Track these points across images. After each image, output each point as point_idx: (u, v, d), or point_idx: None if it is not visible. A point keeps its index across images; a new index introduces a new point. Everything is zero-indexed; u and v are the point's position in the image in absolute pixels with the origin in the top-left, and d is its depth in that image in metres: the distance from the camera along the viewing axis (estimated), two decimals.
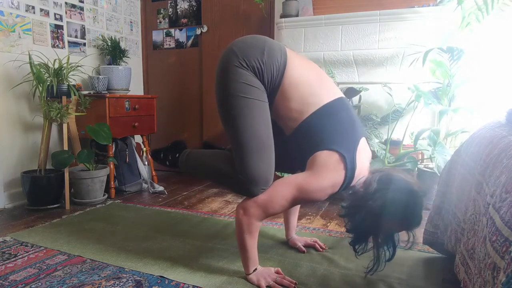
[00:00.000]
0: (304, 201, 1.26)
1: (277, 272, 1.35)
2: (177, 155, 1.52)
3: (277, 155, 1.29)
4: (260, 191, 1.25)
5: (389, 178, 1.21)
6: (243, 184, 1.24)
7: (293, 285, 1.29)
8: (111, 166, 2.55)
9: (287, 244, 1.69)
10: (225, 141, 1.40)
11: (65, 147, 2.34)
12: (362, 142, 1.27)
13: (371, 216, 1.17)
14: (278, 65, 1.23)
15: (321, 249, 1.63)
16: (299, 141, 1.28)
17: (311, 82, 1.26)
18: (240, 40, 1.28)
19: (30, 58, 2.27)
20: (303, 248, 1.62)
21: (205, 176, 1.45)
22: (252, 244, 1.31)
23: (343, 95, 1.32)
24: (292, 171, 1.45)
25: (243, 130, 1.21)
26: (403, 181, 1.21)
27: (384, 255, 1.28)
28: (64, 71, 2.35)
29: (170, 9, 3.48)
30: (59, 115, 2.26)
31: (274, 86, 1.25)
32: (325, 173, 1.19)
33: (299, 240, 1.67)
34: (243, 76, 1.21)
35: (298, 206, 1.71)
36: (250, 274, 1.33)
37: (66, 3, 2.71)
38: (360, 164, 1.23)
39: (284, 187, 1.24)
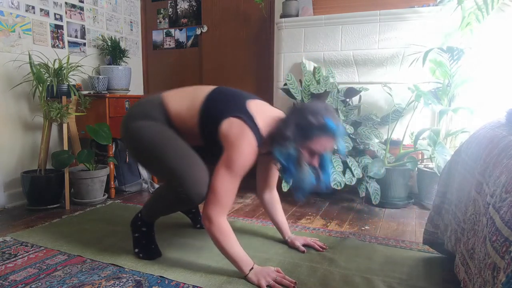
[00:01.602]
0: (242, 173, 1.32)
1: (277, 271, 1.35)
2: (139, 222, 1.60)
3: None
4: (204, 192, 1.33)
5: (297, 106, 1.37)
6: (188, 196, 1.33)
7: (293, 285, 1.29)
8: (111, 166, 2.55)
9: (287, 244, 1.68)
10: None
11: (65, 147, 2.34)
12: (253, 101, 1.41)
13: (291, 141, 1.29)
14: (157, 102, 1.48)
15: (321, 249, 1.63)
16: (210, 140, 1.39)
17: (187, 93, 1.49)
18: (129, 108, 1.58)
19: (30, 58, 2.27)
20: (303, 248, 1.62)
21: (165, 212, 1.56)
22: (233, 244, 1.33)
23: (219, 86, 1.49)
24: None
25: (164, 157, 1.36)
26: (311, 102, 1.38)
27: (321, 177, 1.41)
28: (64, 71, 2.35)
29: (170, 9, 3.48)
30: (59, 115, 2.26)
31: (166, 117, 1.45)
32: (236, 140, 1.30)
33: (298, 239, 1.67)
34: (141, 123, 1.44)
35: (278, 204, 1.70)
36: (248, 274, 1.33)
37: (66, 3, 2.71)
38: (260, 114, 1.36)
39: (219, 176, 1.30)
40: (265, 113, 1.39)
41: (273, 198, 1.70)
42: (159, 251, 1.57)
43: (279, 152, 1.31)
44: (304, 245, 1.64)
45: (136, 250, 1.56)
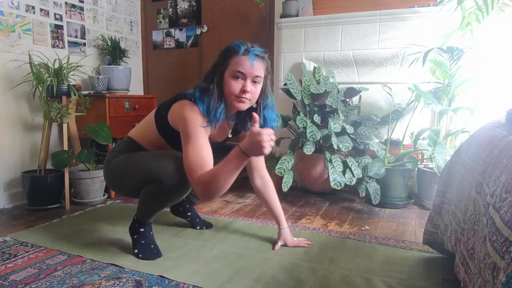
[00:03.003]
0: (200, 134, 1.34)
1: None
2: (136, 225, 1.61)
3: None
4: (183, 175, 1.34)
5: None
6: (172, 183, 1.38)
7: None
8: None
9: (286, 244, 1.68)
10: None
11: (65, 147, 2.34)
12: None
13: (211, 79, 1.39)
14: (124, 140, 1.63)
15: (307, 245, 1.68)
16: (176, 142, 1.44)
17: (144, 119, 1.64)
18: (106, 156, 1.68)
19: (30, 58, 2.27)
20: (277, 247, 1.65)
21: (157, 209, 1.54)
22: (221, 171, 1.23)
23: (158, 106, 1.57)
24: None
25: (138, 165, 1.46)
26: None
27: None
28: (64, 71, 2.34)
29: (170, 9, 3.48)
30: (59, 115, 2.26)
31: (134, 145, 1.59)
32: (179, 115, 1.37)
33: (285, 238, 1.68)
34: (113, 160, 1.56)
35: (270, 189, 1.67)
36: (242, 151, 1.20)
37: (66, 3, 2.71)
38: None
39: (184, 151, 1.34)
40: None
41: (264, 183, 1.67)
42: (159, 251, 1.57)
43: (202, 92, 1.38)
44: (290, 245, 1.67)
45: (136, 251, 1.56)
